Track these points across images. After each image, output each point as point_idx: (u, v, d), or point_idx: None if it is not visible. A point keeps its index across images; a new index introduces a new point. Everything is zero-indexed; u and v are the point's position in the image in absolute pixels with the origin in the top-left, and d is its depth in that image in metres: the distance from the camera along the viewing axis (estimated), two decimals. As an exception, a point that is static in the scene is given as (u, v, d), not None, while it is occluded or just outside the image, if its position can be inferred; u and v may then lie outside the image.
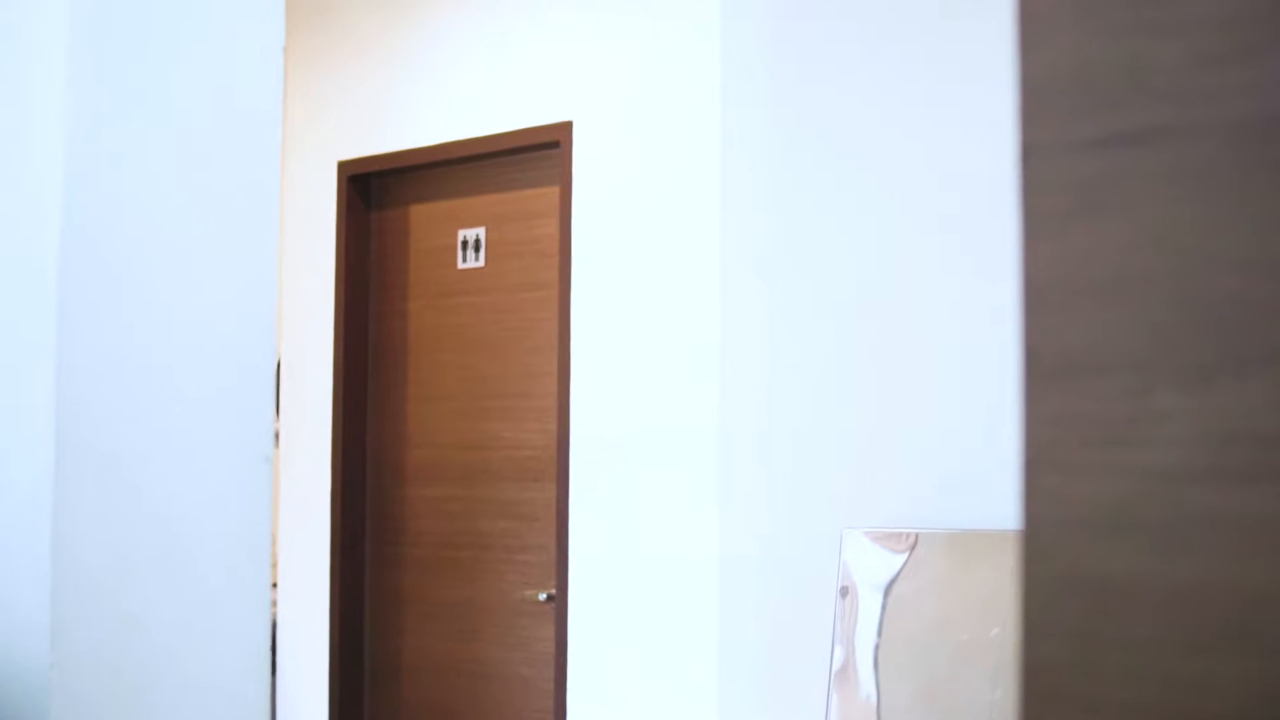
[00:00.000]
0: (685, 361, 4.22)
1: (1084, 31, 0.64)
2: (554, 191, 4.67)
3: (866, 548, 3.82)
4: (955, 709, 3.57)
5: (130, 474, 2.55)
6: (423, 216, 5.09)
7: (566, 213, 4.54)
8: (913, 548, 3.74)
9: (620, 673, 4.34)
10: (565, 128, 4.55)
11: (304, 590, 5.19)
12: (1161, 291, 0.62)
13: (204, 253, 2.69)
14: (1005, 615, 3.52)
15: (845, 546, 3.85)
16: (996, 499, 3.65)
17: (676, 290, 4.25)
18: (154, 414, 2.59)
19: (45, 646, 2.43)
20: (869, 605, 3.76)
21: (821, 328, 4.11)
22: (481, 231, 4.90)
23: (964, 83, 3.89)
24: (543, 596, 4.62)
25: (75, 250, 2.50)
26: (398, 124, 5.04)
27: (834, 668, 3.77)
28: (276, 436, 5.01)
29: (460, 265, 4.96)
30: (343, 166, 5.18)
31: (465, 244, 4.95)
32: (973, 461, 3.79)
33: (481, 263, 4.91)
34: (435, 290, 5.04)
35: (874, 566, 3.79)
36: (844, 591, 3.81)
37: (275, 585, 5.14)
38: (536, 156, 4.74)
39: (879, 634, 3.72)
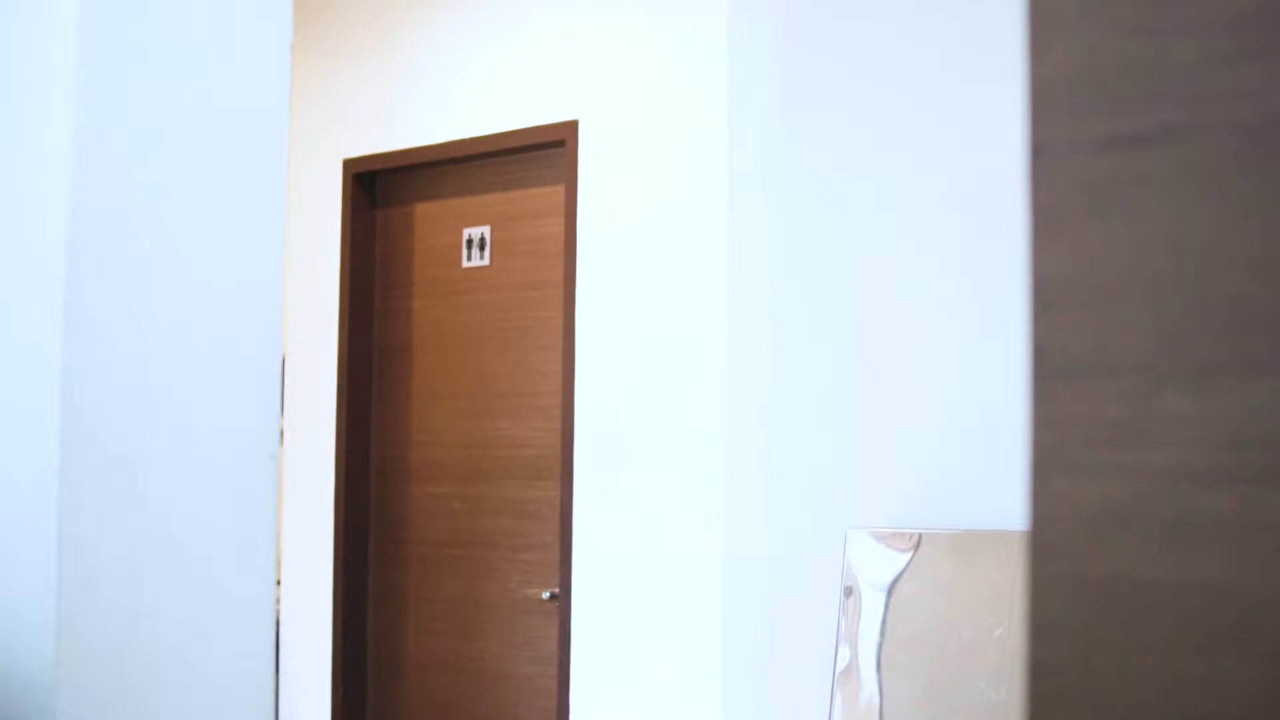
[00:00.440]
0: (690, 361, 4.22)
1: (1094, 31, 0.64)
2: (559, 190, 4.67)
3: (870, 547, 3.82)
4: (959, 709, 3.56)
5: (135, 471, 2.55)
6: (428, 215, 5.10)
7: (571, 212, 4.54)
8: (916, 548, 3.74)
9: (623, 672, 4.34)
10: (571, 127, 4.55)
11: (308, 587, 5.20)
12: (1170, 292, 0.62)
13: (209, 250, 2.70)
14: (1009, 616, 3.52)
15: (849, 546, 3.85)
16: (1000, 499, 3.65)
17: (681, 289, 4.25)
18: (159, 411, 2.60)
19: (51, 644, 2.44)
20: (872, 605, 3.76)
21: (826, 328, 4.11)
22: (486, 230, 4.91)
23: (971, 85, 3.89)
24: (546, 595, 4.62)
25: (81, 247, 2.50)
26: (403, 122, 5.04)
27: (837, 667, 3.77)
28: (281, 433, 5.01)
29: (465, 264, 4.97)
30: (348, 164, 5.18)
31: (470, 242, 4.95)
32: (976, 462, 3.79)
33: (486, 261, 4.91)
34: (440, 289, 5.04)
35: (878, 566, 3.79)
36: (848, 591, 3.81)
37: (279, 582, 5.14)
38: (542, 155, 4.74)
39: (882, 634, 3.72)
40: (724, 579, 4.13)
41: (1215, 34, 0.61)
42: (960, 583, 3.64)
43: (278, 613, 5.16)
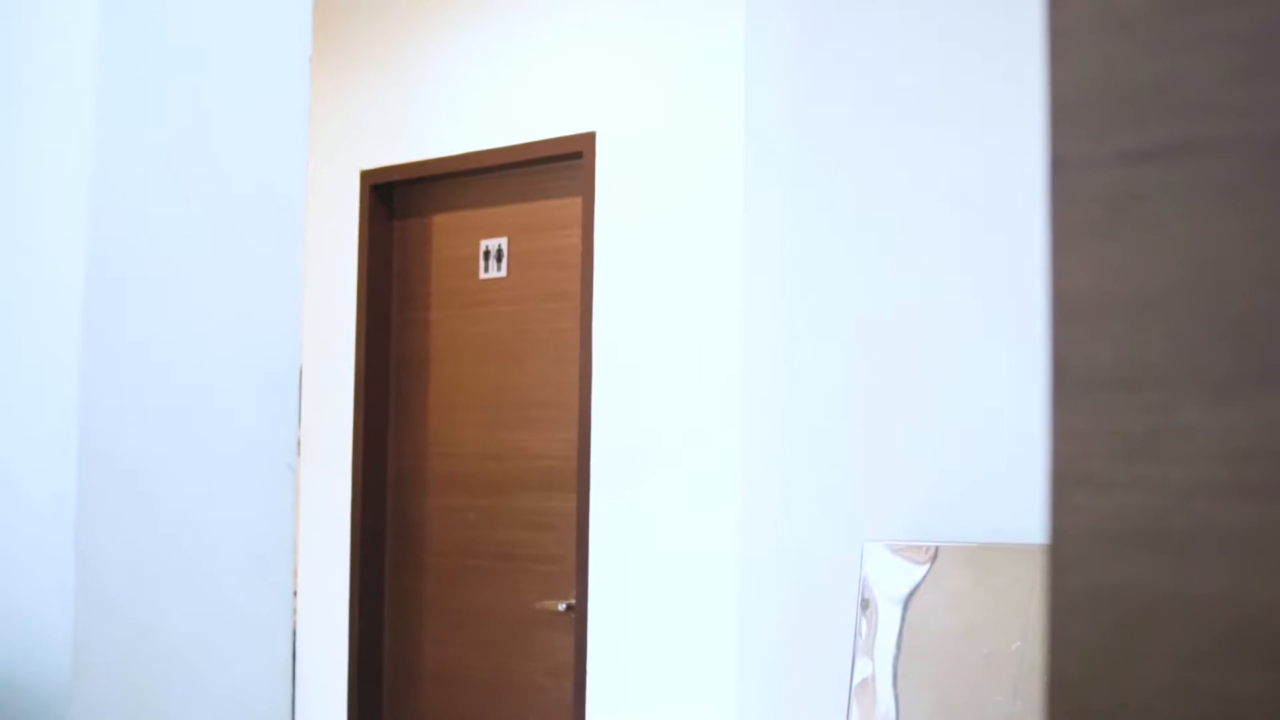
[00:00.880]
0: (706, 373, 4.22)
1: (1114, 45, 0.64)
2: (576, 202, 4.68)
3: (887, 560, 3.81)
4: (975, 723, 3.56)
5: (152, 484, 2.56)
6: (445, 226, 5.11)
7: (589, 223, 4.54)
8: (933, 560, 3.74)
9: (639, 684, 4.34)
10: (589, 139, 4.56)
11: (324, 599, 5.20)
12: (1189, 306, 0.62)
13: (228, 261, 2.70)
14: (1026, 629, 3.51)
15: (866, 559, 3.85)
16: (1017, 512, 3.65)
17: (698, 302, 4.25)
18: (176, 423, 2.60)
19: (67, 657, 2.44)
20: (889, 618, 3.75)
21: (843, 340, 4.11)
22: (504, 241, 4.91)
23: (987, 97, 3.89)
24: (562, 606, 4.62)
25: (99, 259, 2.51)
26: (421, 133, 5.06)
27: (854, 680, 3.77)
28: (298, 445, 5.02)
29: (482, 275, 4.97)
30: (365, 175, 5.19)
31: (487, 254, 4.96)
32: (993, 475, 3.78)
33: (504, 273, 4.91)
34: (457, 300, 5.05)
35: (895, 579, 3.78)
36: (864, 604, 3.81)
37: (295, 593, 5.15)
38: (559, 167, 4.75)
39: (899, 646, 3.72)
40: (740, 591, 4.12)
41: (1233, 48, 0.61)
42: (977, 596, 3.64)
43: (294, 624, 5.17)
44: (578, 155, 4.62)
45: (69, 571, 2.44)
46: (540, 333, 4.79)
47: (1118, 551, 0.64)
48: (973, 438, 3.85)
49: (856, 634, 3.80)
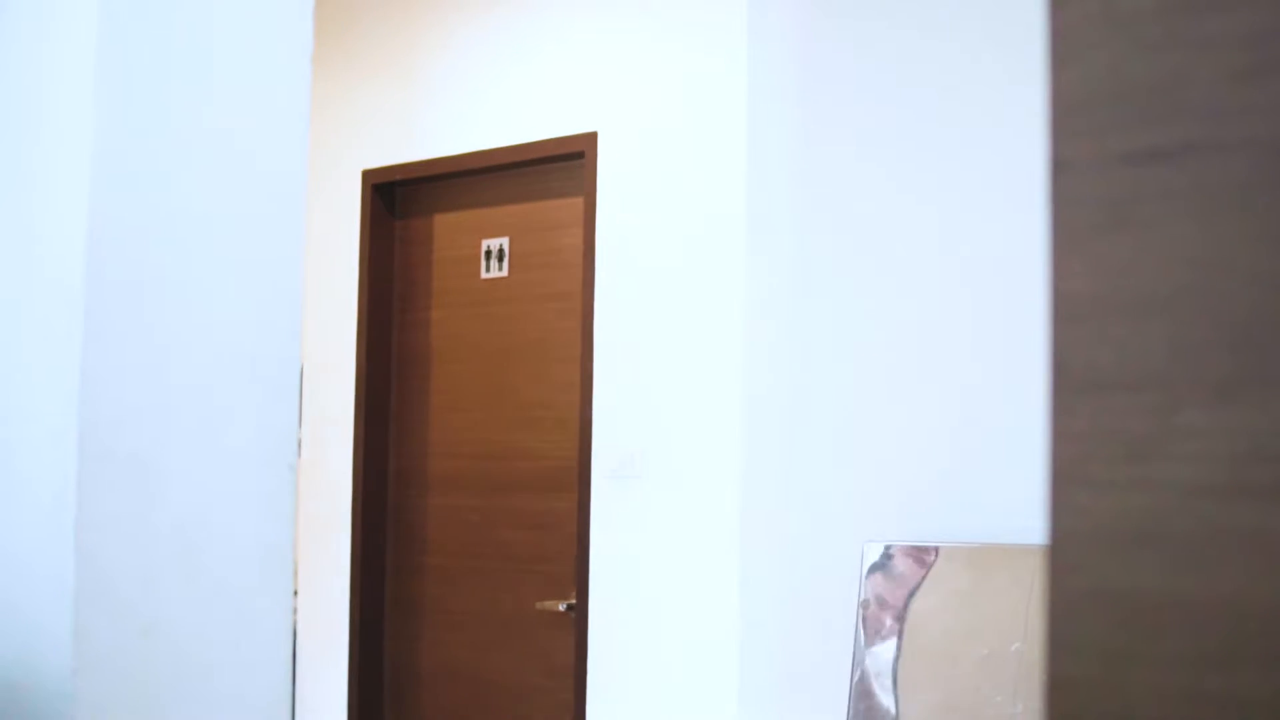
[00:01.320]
0: (707, 373, 4.22)
1: (1116, 47, 0.64)
2: (578, 202, 4.68)
3: (887, 561, 3.81)
4: (975, 724, 3.56)
5: (153, 482, 2.56)
6: (447, 226, 5.11)
7: (590, 223, 4.54)
8: (934, 561, 3.74)
9: (640, 684, 4.34)
10: (590, 139, 4.56)
11: (325, 598, 5.20)
12: (1191, 307, 0.62)
13: (230, 260, 2.70)
14: (1026, 630, 3.51)
15: (866, 559, 3.85)
16: (1017, 513, 3.65)
17: (699, 302, 4.25)
18: (177, 422, 2.60)
19: (68, 653, 2.44)
20: (889, 619, 3.75)
21: (844, 341, 4.11)
22: (505, 241, 4.91)
23: (989, 100, 3.89)
24: (563, 607, 4.62)
25: (100, 259, 2.51)
26: (422, 133, 5.06)
27: (854, 681, 3.77)
28: (299, 444, 5.02)
29: (484, 275, 4.97)
30: (367, 175, 5.19)
31: (489, 254, 4.96)
32: (993, 476, 3.78)
33: (505, 272, 4.91)
34: (458, 300, 5.05)
35: (895, 580, 3.78)
36: (865, 605, 3.81)
37: (296, 593, 5.15)
38: (561, 167, 4.75)
39: (899, 648, 3.72)
40: (741, 591, 4.12)
41: (1236, 50, 0.61)
42: (977, 597, 3.64)
43: (295, 623, 5.17)
44: (579, 155, 4.62)
45: (69, 569, 2.45)
46: (541, 333, 4.79)
47: (1119, 553, 0.64)
48: (973, 439, 3.85)
49: (856, 634, 3.80)
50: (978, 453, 3.83)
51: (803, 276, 4.19)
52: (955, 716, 3.59)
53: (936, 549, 3.75)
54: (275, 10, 2.80)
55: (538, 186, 4.84)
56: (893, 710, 3.69)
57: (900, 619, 3.74)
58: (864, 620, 3.80)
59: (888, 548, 3.82)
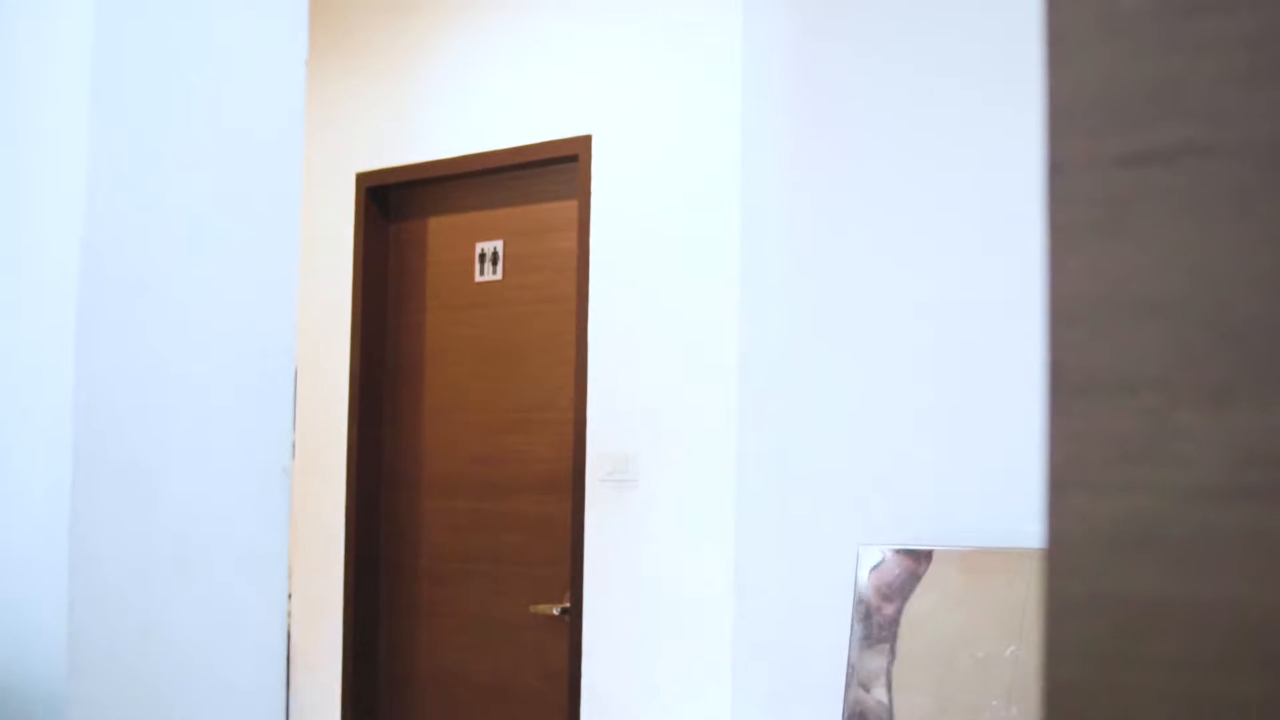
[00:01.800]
0: (701, 376, 4.22)
1: (1113, 49, 0.64)
2: (572, 205, 4.68)
3: (882, 564, 3.81)
4: (970, 727, 3.56)
5: (148, 485, 2.56)
6: (441, 229, 5.10)
7: (585, 227, 4.54)
8: (929, 564, 3.74)
9: (634, 688, 4.34)
10: (584, 141, 4.56)
11: (319, 601, 5.20)
12: (1188, 310, 0.62)
13: (223, 263, 2.70)
14: (1021, 633, 3.52)
15: (861, 562, 3.85)
16: (1013, 516, 3.65)
17: (693, 305, 4.25)
18: (172, 425, 2.60)
19: (63, 656, 2.44)
20: (885, 622, 3.75)
21: (839, 344, 4.11)
22: (499, 244, 4.91)
23: (986, 100, 3.89)
24: (557, 610, 4.62)
25: (94, 260, 2.51)
26: (417, 136, 5.05)
27: (849, 685, 3.77)
28: (293, 447, 5.02)
29: (478, 278, 4.97)
30: (361, 178, 5.19)
31: (483, 257, 4.95)
32: (989, 479, 3.78)
33: (499, 276, 4.91)
34: (452, 303, 5.05)
35: (890, 583, 3.78)
36: (860, 607, 3.81)
37: (290, 596, 5.14)
38: (555, 170, 4.75)
39: (894, 651, 3.72)
40: (736, 594, 4.12)
41: (1234, 52, 0.61)
42: (972, 600, 3.64)
43: (289, 626, 5.17)
44: (573, 158, 4.62)
45: (63, 571, 2.44)
46: (536, 336, 4.78)
47: (1116, 556, 0.64)
48: (968, 441, 3.85)
49: (851, 638, 3.80)
50: (973, 456, 3.84)
51: (796, 280, 4.20)
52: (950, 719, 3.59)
53: (931, 552, 3.75)
54: (270, 13, 2.80)
55: (532, 190, 4.84)
56: (888, 713, 3.69)
57: (895, 623, 3.74)
58: (859, 624, 3.80)
59: (883, 551, 3.82)
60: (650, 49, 4.43)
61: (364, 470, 5.14)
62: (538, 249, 4.81)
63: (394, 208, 5.24)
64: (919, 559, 3.75)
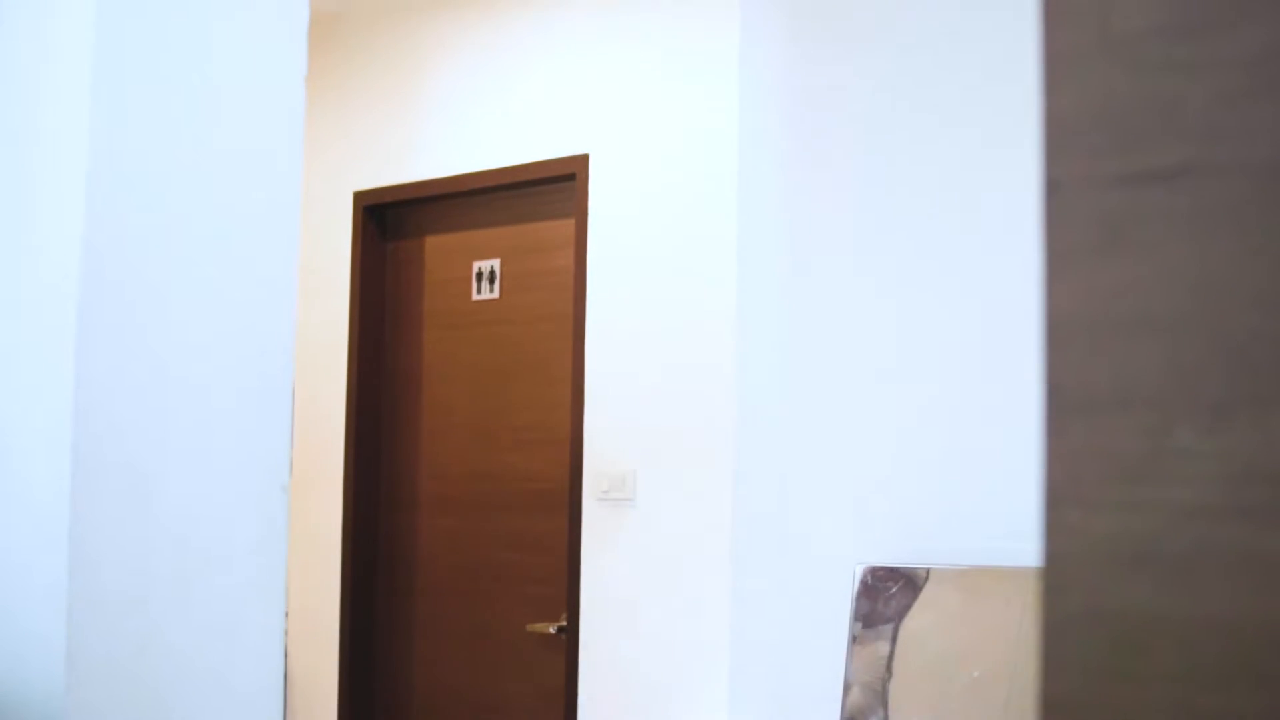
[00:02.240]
0: (699, 395, 4.22)
1: (1111, 69, 0.65)
2: (569, 224, 4.68)
3: (879, 583, 3.81)
4: (966, 747, 3.55)
5: (148, 497, 2.56)
6: (438, 247, 5.11)
7: (582, 245, 4.54)
8: (925, 583, 3.73)
9: (631, 707, 4.33)
10: (581, 160, 4.56)
11: (316, 619, 5.19)
12: (1185, 328, 0.62)
13: (222, 280, 2.70)
14: (1018, 651, 3.51)
15: (858, 581, 3.84)
16: (1008, 535, 3.65)
17: (690, 324, 4.25)
18: (171, 440, 2.60)
19: (61, 666, 2.43)
20: (881, 641, 3.75)
21: (836, 363, 4.11)
22: (496, 263, 4.91)
23: (984, 121, 3.90)
24: (554, 629, 4.61)
25: (95, 274, 2.51)
26: (414, 155, 5.06)
27: (846, 703, 3.76)
28: (290, 465, 5.01)
29: (475, 296, 4.97)
30: (358, 196, 5.20)
31: (480, 275, 4.96)
32: (985, 497, 3.78)
33: (496, 294, 4.91)
34: (449, 321, 5.05)
35: (886, 602, 3.78)
36: (857, 627, 3.80)
37: (286, 614, 5.13)
38: (552, 189, 4.75)
39: (891, 670, 3.71)
40: (732, 615, 4.12)
41: (1231, 72, 0.61)
42: (969, 619, 3.64)
43: (285, 644, 5.15)
44: (571, 177, 4.63)
45: (63, 581, 2.44)
46: (533, 354, 4.78)
47: (1112, 573, 0.64)
48: (965, 460, 3.85)
49: (849, 656, 3.80)
50: (969, 475, 3.84)
51: (794, 299, 4.20)
52: (946, 739, 3.59)
53: (929, 571, 3.74)
54: (269, 32, 2.81)
55: (529, 208, 4.84)
56: (884, 733, 3.68)
57: (892, 641, 3.74)
58: (855, 642, 3.79)
59: (879, 569, 3.82)
60: (647, 69, 4.44)
61: (361, 488, 5.14)
62: (535, 267, 4.81)
63: (391, 226, 5.25)
64: (916, 578, 3.75)
